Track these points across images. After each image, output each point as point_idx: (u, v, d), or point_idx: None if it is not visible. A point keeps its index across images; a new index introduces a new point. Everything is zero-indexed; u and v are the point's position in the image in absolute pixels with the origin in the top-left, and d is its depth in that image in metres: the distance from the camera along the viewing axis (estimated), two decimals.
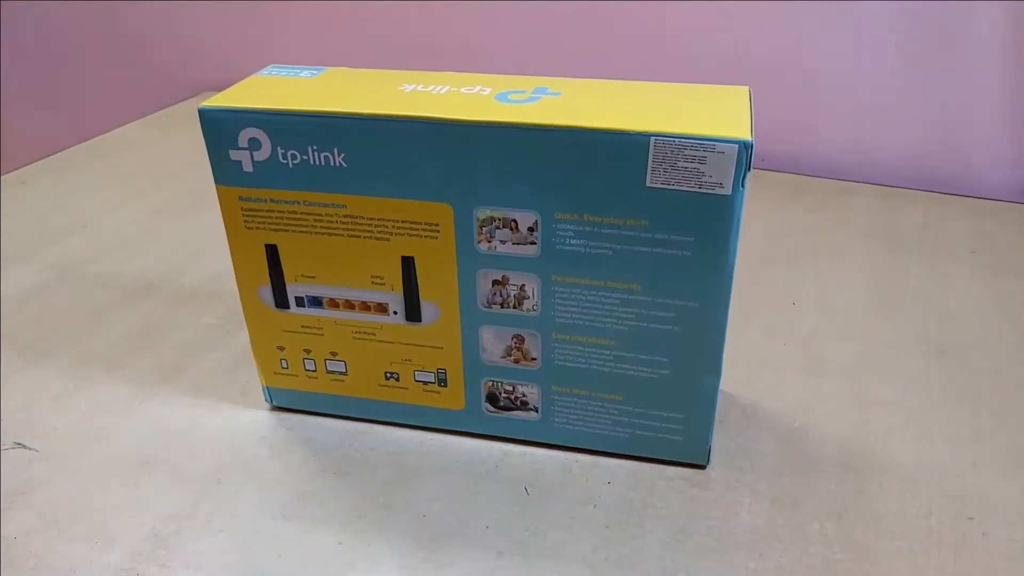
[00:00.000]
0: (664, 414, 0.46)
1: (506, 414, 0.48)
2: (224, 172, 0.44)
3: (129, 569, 0.42)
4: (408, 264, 0.45)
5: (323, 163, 0.43)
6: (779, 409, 0.52)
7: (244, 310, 0.49)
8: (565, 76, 0.87)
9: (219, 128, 0.43)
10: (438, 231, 0.43)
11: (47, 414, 0.52)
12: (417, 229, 0.44)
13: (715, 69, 0.87)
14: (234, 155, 0.44)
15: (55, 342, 0.59)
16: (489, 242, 0.43)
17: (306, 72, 0.47)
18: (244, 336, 0.60)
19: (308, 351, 0.49)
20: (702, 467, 0.47)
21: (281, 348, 0.50)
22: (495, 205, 0.42)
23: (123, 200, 0.81)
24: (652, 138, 0.38)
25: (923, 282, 0.66)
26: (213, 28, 1.07)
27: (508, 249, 0.43)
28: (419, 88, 0.44)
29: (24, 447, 0.50)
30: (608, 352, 0.45)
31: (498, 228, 0.42)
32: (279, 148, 0.43)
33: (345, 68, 0.48)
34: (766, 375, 0.55)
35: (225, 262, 0.70)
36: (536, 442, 0.49)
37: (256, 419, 0.52)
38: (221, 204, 0.45)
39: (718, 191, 0.39)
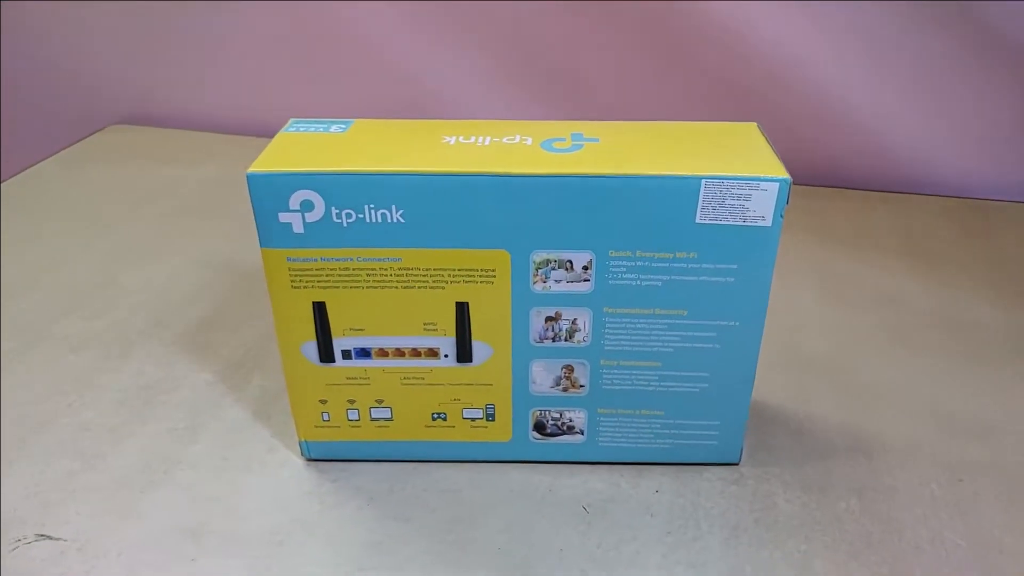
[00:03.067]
0: (702, 422, 0.50)
1: (552, 440, 0.51)
2: (271, 235, 0.44)
3: None
4: (462, 309, 0.46)
5: (379, 220, 0.44)
6: (781, 404, 0.57)
7: (285, 368, 0.49)
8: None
9: (269, 192, 0.43)
10: (494, 276, 0.45)
11: (61, 497, 0.50)
12: (473, 276, 0.45)
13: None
14: (284, 217, 0.44)
15: (43, 416, 0.56)
16: (544, 283, 0.45)
17: (335, 127, 0.48)
18: (252, 390, 0.59)
19: (352, 401, 0.50)
20: (734, 464, 0.52)
21: (323, 402, 0.50)
22: (552, 248, 0.44)
23: (67, 250, 0.77)
24: (703, 180, 0.42)
25: (857, 274, 0.73)
26: (119, 58, 1.02)
27: (562, 288, 0.46)
28: (461, 140, 0.46)
29: (49, 538, 0.48)
30: (653, 373, 0.48)
31: (553, 269, 0.45)
32: (333, 208, 0.43)
33: (371, 120, 0.49)
34: (759, 374, 0.60)
35: (206, 312, 0.68)
36: (579, 461, 0.52)
37: (296, 474, 0.52)
38: (266, 266, 0.45)
39: (760, 223, 0.43)
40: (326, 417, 0.51)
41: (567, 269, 0.45)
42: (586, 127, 0.48)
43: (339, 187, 0.43)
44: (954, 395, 0.58)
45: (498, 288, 0.46)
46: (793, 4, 0.83)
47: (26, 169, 0.94)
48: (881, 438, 0.54)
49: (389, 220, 0.44)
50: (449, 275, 0.45)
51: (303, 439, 0.52)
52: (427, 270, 0.45)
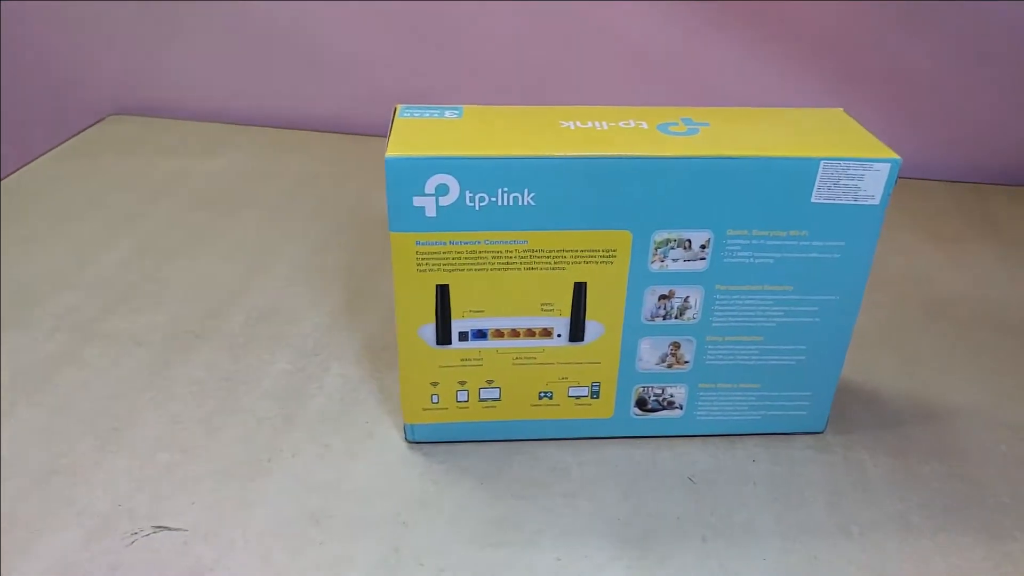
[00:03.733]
0: (795, 393, 0.53)
1: (651, 415, 0.53)
2: (403, 219, 0.45)
3: None
4: (580, 290, 0.48)
5: (511, 203, 0.45)
6: (846, 376, 0.61)
7: (401, 351, 0.49)
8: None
9: (405, 176, 0.44)
10: (614, 256, 0.47)
11: (168, 489, 0.50)
12: (595, 256, 0.47)
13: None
14: (418, 201, 0.45)
15: (127, 410, 0.55)
16: (662, 262, 0.47)
17: (448, 112, 0.49)
18: (333, 378, 0.59)
19: (463, 383, 0.51)
20: (819, 433, 0.55)
21: (434, 384, 0.51)
22: (673, 228, 0.46)
23: (94, 245, 0.75)
24: (822, 161, 0.45)
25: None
26: (114, 47, 0.99)
27: (679, 266, 0.48)
28: (579, 125, 0.47)
29: (167, 528, 0.47)
30: (754, 347, 0.51)
31: (672, 248, 0.47)
32: (467, 192, 0.44)
33: (480, 106, 0.50)
34: None
35: (259, 304, 0.67)
36: (674, 435, 0.54)
37: (401, 457, 0.52)
38: (394, 250, 0.46)
39: (869, 202, 0.46)
40: (435, 399, 0.51)
41: (685, 248, 0.47)
42: (694, 112, 0.50)
43: (475, 171, 0.44)
44: (1004, 362, 0.63)
45: (617, 268, 0.47)
46: None
47: (29, 163, 0.90)
48: (945, 404, 0.58)
49: (520, 203, 0.45)
50: (571, 256, 0.47)
51: (409, 422, 0.52)
52: (551, 252, 0.47)
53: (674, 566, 0.45)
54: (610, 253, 0.47)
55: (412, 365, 0.50)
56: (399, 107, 0.49)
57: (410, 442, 0.53)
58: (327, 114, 1.03)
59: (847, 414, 0.57)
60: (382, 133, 1.03)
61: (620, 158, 0.44)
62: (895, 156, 0.45)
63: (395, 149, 0.44)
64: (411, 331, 0.49)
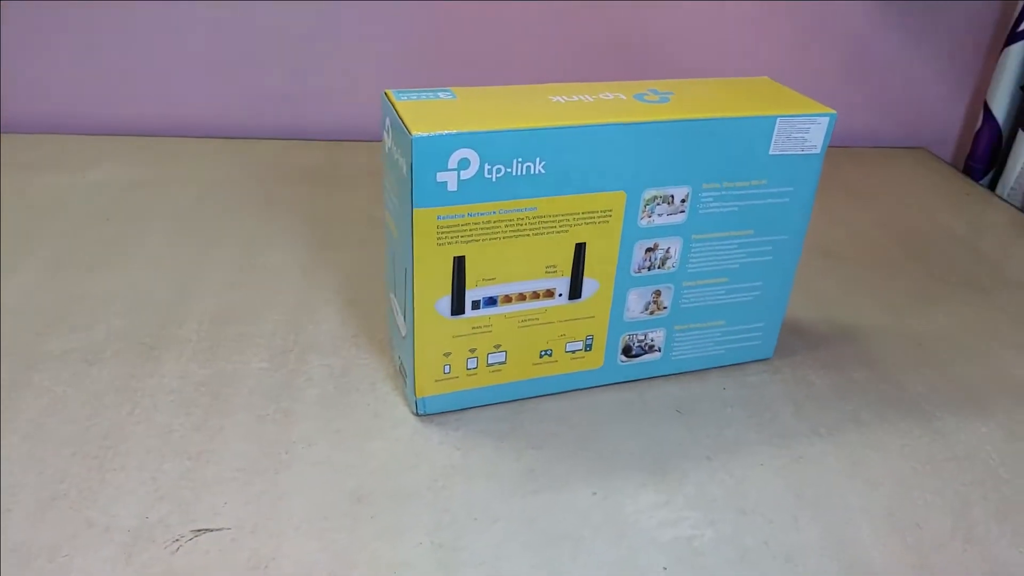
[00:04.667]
0: (752, 326, 0.60)
1: (635, 360, 0.59)
2: (426, 195, 0.47)
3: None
4: (580, 250, 0.52)
5: (524, 173, 0.49)
6: None
7: (417, 325, 0.51)
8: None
9: (431, 153, 0.46)
10: (610, 216, 0.52)
11: (192, 494, 0.49)
12: (594, 217, 0.52)
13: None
14: (441, 176, 0.47)
15: (112, 427, 0.53)
16: (649, 218, 0.53)
17: (442, 94, 0.51)
18: (318, 369, 0.59)
19: (473, 350, 0.54)
20: (768, 360, 0.63)
21: (447, 354, 0.53)
22: (659, 186, 0.52)
23: (9, 267, 0.69)
24: (778, 119, 0.52)
25: None
26: None
27: (663, 220, 0.53)
28: (568, 99, 0.52)
29: (209, 530, 0.46)
30: (721, 288, 0.58)
31: (658, 204, 0.53)
32: (486, 164, 0.48)
33: (469, 88, 0.53)
34: None
35: (209, 310, 0.65)
36: (653, 377, 0.60)
37: (417, 430, 0.54)
38: (416, 226, 0.48)
39: (812, 151, 0.54)
40: (447, 370, 0.54)
41: (668, 203, 0.53)
42: (657, 84, 0.56)
43: (494, 144, 0.47)
44: (888, 289, 0.74)
45: (612, 227, 0.52)
46: None
47: None
48: (856, 325, 0.68)
49: (532, 172, 0.49)
50: (574, 219, 0.51)
51: (420, 396, 0.54)
52: (556, 216, 0.51)
53: (694, 482, 0.51)
54: (607, 213, 0.52)
55: (427, 339, 0.52)
56: (390, 92, 0.51)
57: (419, 415, 0.55)
58: (197, 119, 1.00)
59: (784, 343, 0.65)
60: (255, 135, 1.02)
61: (618, 124, 0.49)
62: (832, 111, 0.53)
63: (418, 128, 0.46)
64: (428, 305, 0.51)
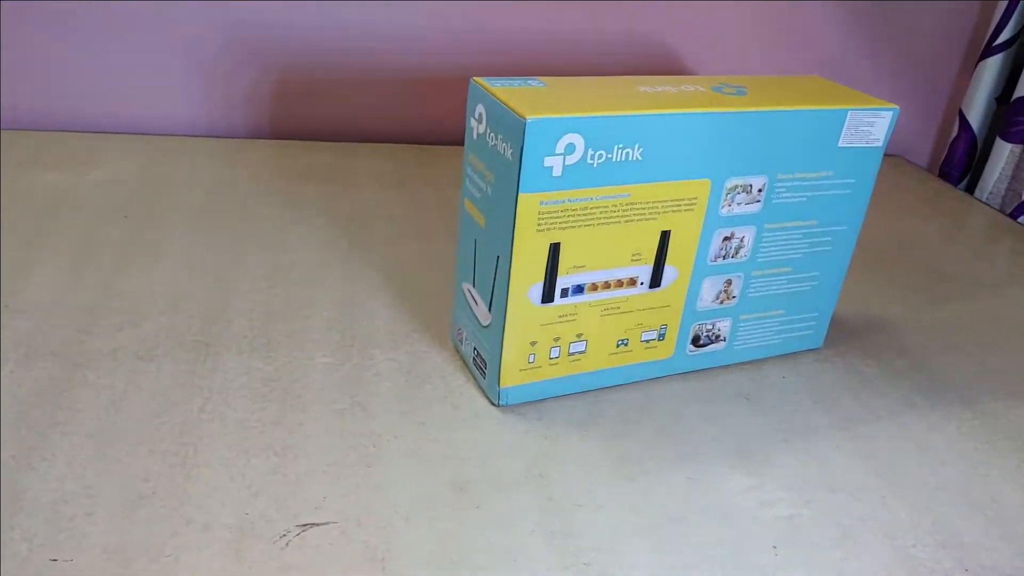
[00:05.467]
0: (807, 315, 0.62)
1: (702, 350, 0.60)
2: (532, 180, 0.47)
3: (575, 564, 0.44)
4: (665, 237, 0.53)
5: (624, 159, 0.49)
6: None
7: (509, 313, 0.51)
8: None
9: (543, 136, 0.46)
10: (695, 203, 0.53)
11: (288, 490, 0.47)
12: (680, 205, 0.53)
13: None
14: (548, 161, 0.47)
15: (184, 424, 0.51)
16: (729, 206, 0.54)
17: (532, 82, 0.51)
18: (384, 364, 0.58)
19: (557, 339, 0.54)
20: (818, 349, 0.65)
21: (533, 343, 0.53)
22: (740, 175, 0.53)
23: (14, 268, 0.65)
24: (849, 112, 0.54)
25: None
26: None
27: (741, 209, 0.55)
28: (654, 89, 0.53)
29: (315, 524, 0.45)
30: (784, 277, 0.59)
31: (738, 193, 0.54)
32: (590, 150, 0.48)
33: (560, 77, 0.53)
34: None
35: (247, 307, 0.63)
36: (715, 367, 0.61)
37: (500, 422, 0.54)
38: (519, 211, 0.48)
39: (875, 144, 0.57)
40: (532, 359, 0.54)
41: (747, 192, 0.54)
42: (727, 79, 0.57)
43: (599, 129, 0.48)
44: (899, 283, 0.78)
45: (696, 214, 0.53)
46: None
47: None
48: (881, 317, 0.71)
49: (630, 158, 0.49)
50: (662, 206, 0.52)
51: (504, 386, 0.54)
52: (646, 203, 0.51)
53: (779, 465, 0.52)
54: (692, 201, 0.53)
55: (517, 327, 0.52)
56: (481, 79, 0.51)
57: (499, 406, 0.55)
58: (195, 119, 0.97)
59: (828, 334, 0.68)
60: (254, 136, 0.99)
61: (708, 113, 0.50)
62: (895, 106, 0.56)
63: (530, 112, 0.46)
64: (521, 292, 0.51)
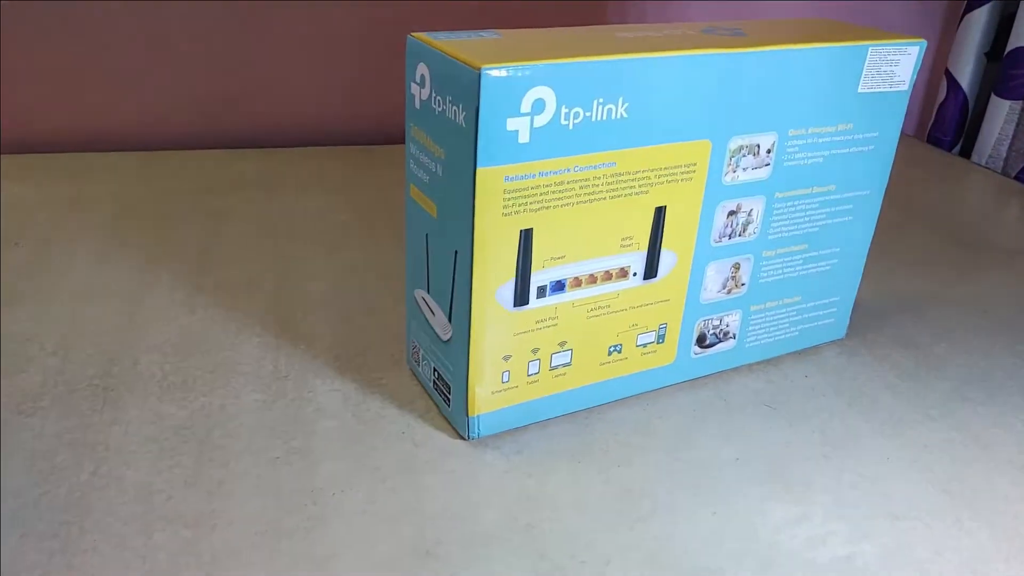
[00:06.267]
0: (827, 301, 0.52)
1: (709, 351, 0.49)
2: (493, 150, 0.37)
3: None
4: (659, 214, 0.43)
5: (605, 117, 0.39)
6: None
7: (474, 321, 0.41)
8: None
9: (504, 93, 0.36)
10: (694, 171, 0.43)
11: (206, 570, 0.36)
12: (676, 174, 0.42)
13: None
14: (512, 124, 0.37)
15: (65, 501, 0.39)
16: (734, 172, 0.44)
17: (486, 34, 0.41)
18: (327, 396, 0.47)
19: (536, 350, 0.43)
20: (841, 340, 0.55)
21: (507, 358, 0.43)
22: (745, 132, 0.43)
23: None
24: (869, 48, 0.45)
25: None
26: None
27: (747, 176, 0.45)
28: (635, 35, 0.43)
29: None
30: (800, 256, 0.49)
31: (743, 156, 0.44)
32: (563, 107, 0.38)
33: (520, 29, 0.43)
34: None
35: (170, 336, 0.52)
36: (725, 370, 0.51)
37: (472, 459, 0.43)
38: (479, 191, 0.38)
39: (900, 88, 0.47)
40: (506, 378, 0.43)
41: (755, 154, 0.44)
42: (719, 24, 0.47)
43: (574, 79, 0.37)
44: (922, 256, 0.68)
45: (695, 185, 0.43)
46: None
47: None
48: (907, 295, 0.62)
49: (613, 116, 0.39)
50: (655, 176, 0.42)
51: (474, 414, 0.43)
52: (636, 174, 0.41)
53: (823, 487, 0.42)
54: (690, 168, 0.43)
55: (486, 339, 0.41)
56: (420, 35, 0.41)
57: (470, 439, 0.44)
58: (112, 132, 0.85)
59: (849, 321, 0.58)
60: (179, 147, 0.88)
61: (707, 55, 0.40)
62: (922, 39, 0.46)
63: (484, 61, 0.36)
64: (488, 295, 0.40)
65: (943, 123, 1.00)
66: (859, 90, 0.46)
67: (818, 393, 0.50)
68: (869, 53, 0.45)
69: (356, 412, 0.46)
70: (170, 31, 0.82)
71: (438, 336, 0.44)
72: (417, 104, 0.41)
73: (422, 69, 0.40)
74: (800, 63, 0.43)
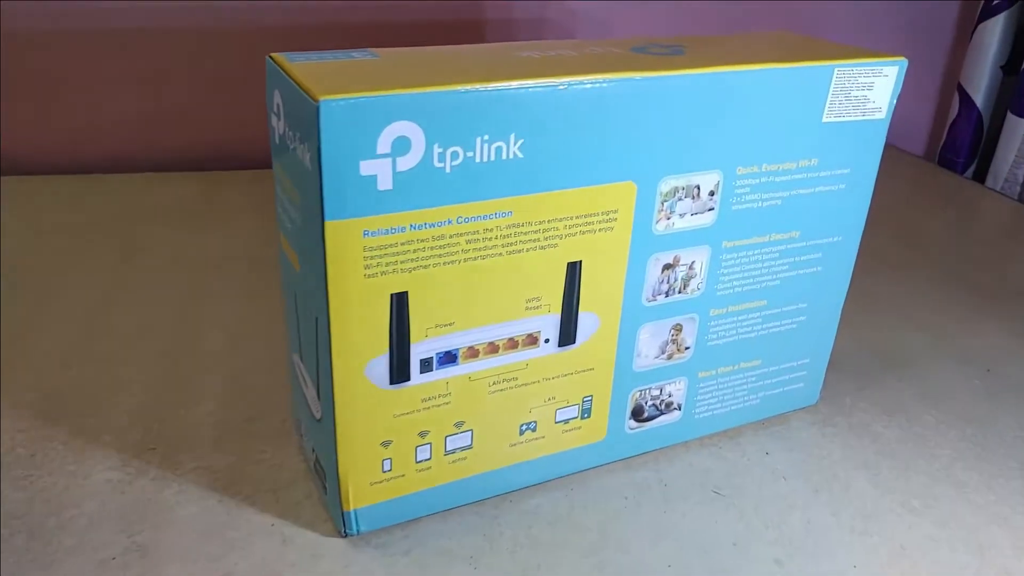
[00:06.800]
0: (794, 363, 0.45)
1: (648, 425, 0.42)
2: (344, 200, 0.30)
3: None
4: (574, 271, 0.36)
5: (492, 158, 0.32)
6: None
7: (339, 403, 0.34)
8: None
9: (352, 129, 0.29)
10: (615, 219, 0.36)
11: None
12: (592, 223, 0.35)
13: None
14: (367, 168, 0.30)
15: None
16: (668, 219, 0.37)
17: (358, 54, 0.34)
18: (192, 475, 0.40)
19: (424, 434, 0.36)
20: (811, 407, 0.47)
21: (387, 444, 0.35)
22: (681, 171, 0.36)
23: None
24: (835, 68, 0.37)
25: None
26: None
27: (686, 223, 0.37)
28: (543, 54, 0.35)
29: None
30: (757, 314, 0.42)
31: (680, 200, 0.37)
32: (436, 146, 0.31)
33: (403, 48, 0.36)
34: None
35: (28, 392, 0.45)
36: (672, 445, 0.44)
37: (348, 561, 0.36)
38: (330, 249, 0.30)
39: (875, 116, 0.39)
40: (387, 466, 0.36)
41: (693, 197, 0.37)
42: (659, 40, 0.40)
43: (446, 113, 0.30)
44: (920, 296, 0.60)
45: (617, 235, 0.36)
46: None
47: None
48: (897, 350, 0.54)
49: (504, 156, 0.32)
50: (565, 227, 0.34)
51: (352, 508, 0.36)
52: (540, 224, 0.34)
53: None
54: (610, 216, 0.35)
55: (356, 422, 0.34)
56: (278, 56, 0.34)
57: (349, 536, 0.37)
58: (22, 154, 0.79)
59: (825, 381, 0.50)
60: (101, 170, 0.81)
61: (625, 80, 0.33)
62: (901, 58, 0.39)
63: (326, 91, 0.29)
64: (355, 371, 0.33)
65: (955, 143, 0.91)
66: (824, 119, 0.38)
67: (778, 476, 0.42)
68: (835, 75, 0.37)
69: (224, 497, 0.39)
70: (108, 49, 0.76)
71: (312, 413, 0.37)
72: (276, 139, 0.34)
73: (277, 98, 0.33)
74: (748, 88, 0.36)
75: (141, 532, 0.37)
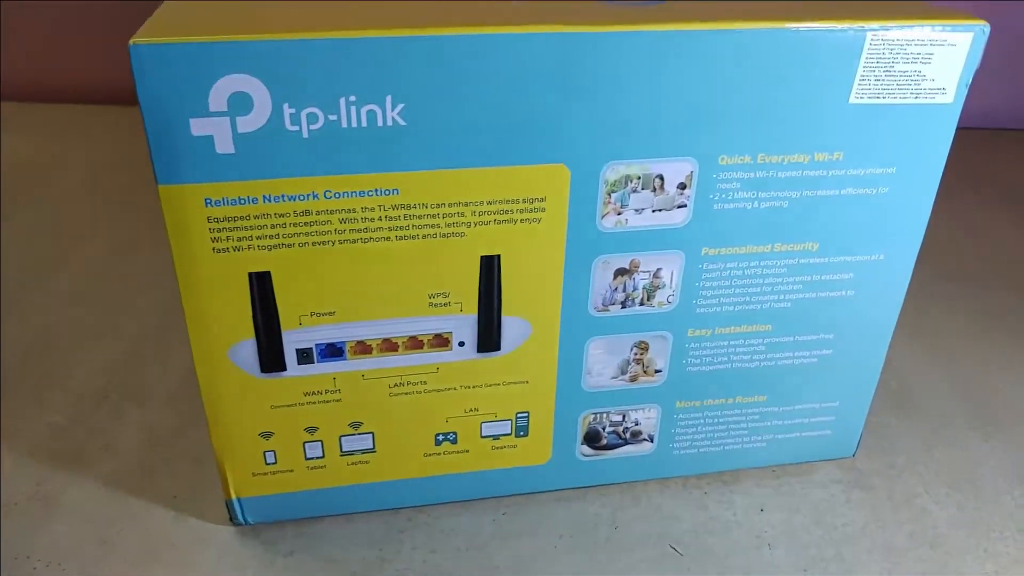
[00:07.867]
0: (816, 406, 0.36)
1: (608, 454, 0.35)
2: (175, 161, 0.26)
3: None
4: (490, 267, 0.30)
5: (365, 124, 0.26)
6: None
7: (203, 387, 0.30)
8: None
9: (175, 81, 0.25)
10: (543, 210, 0.29)
11: None
12: (510, 212, 0.29)
13: None
14: (199, 128, 0.25)
15: None
16: (619, 214, 0.30)
17: None
18: (129, 431, 0.39)
19: (313, 430, 0.32)
20: (848, 458, 0.38)
21: (267, 435, 0.32)
22: (636, 157, 0.29)
23: None
24: (868, 32, 0.28)
25: None
26: None
27: (644, 220, 0.30)
28: (459, 1, 0.29)
29: None
30: (759, 341, 0.33)
31: (635, 192, 0.29)
32: (286, 106, 0.26)
33: None
34: None
35: (35, 328, 0.46)
36: (643, 480, 0.37)
37: (227, 552, 0.33)
38: (168, 216, 0.27)
39: (937, 99, 0.29)
40: (271, 459, 0.32)
41: (655, 190, 0.29)
42: None
43: (297, 65, 0.25)
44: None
45: (547, 228, 0.29)
46: None
47: None
48: (983, 387, 0.42)
49: (379, 123, 0.26)
50: (473, 213, 0.28)
51: (235, 496, 0.33)
52: (438, 208, 0.28)
53: None
54: (535, 205, 0.29)
55: (225, 409, 0.31)
56: None
57: (242, 526, 0.34)
58: None
59: (877, 424, 0.40)
60: None
61: (554, 35, 0.26)
62: (980, 21, 0.28)
63: (147, 33, 0.24)
64: (218, 354, 0.30)
65: None
66: (851, 100, 0.29)
67: (763, 543, 0.34)
68: (868, 42, 0.28)
69: (145, 458, 0.38)
70: None
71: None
72: None
73: None
74: (739, 51, 0.27)
75: (54, 483, 0.36)
